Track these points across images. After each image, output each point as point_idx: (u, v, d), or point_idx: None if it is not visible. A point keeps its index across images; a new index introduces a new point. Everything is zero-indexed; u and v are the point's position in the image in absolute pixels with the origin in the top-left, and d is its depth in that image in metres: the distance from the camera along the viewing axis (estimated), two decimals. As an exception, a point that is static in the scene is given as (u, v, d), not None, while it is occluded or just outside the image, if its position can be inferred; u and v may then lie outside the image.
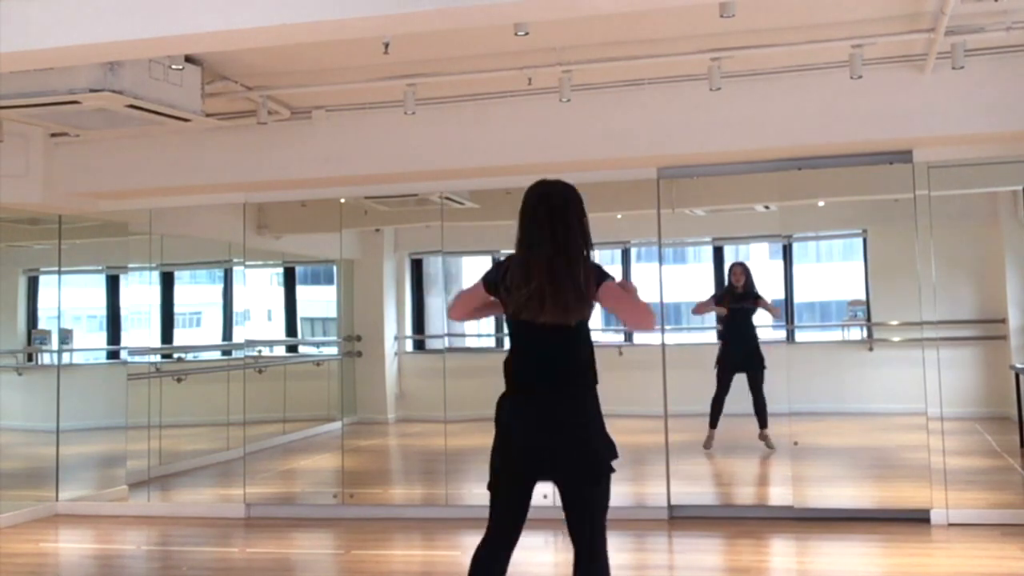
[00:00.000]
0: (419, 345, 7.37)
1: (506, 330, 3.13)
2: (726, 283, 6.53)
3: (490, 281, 3.09)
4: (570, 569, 2.96)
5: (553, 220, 3.04)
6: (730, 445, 6.38)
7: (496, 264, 3.12)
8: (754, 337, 6.44)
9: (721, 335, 6.54)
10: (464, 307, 3.22)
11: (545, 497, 6.07)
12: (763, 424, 6.32)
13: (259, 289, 7.27)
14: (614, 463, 2.94)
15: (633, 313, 2.99)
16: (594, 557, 2.89)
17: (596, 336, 7.04)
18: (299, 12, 3.62)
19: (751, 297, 6.45)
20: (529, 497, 2.97)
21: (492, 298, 3.10)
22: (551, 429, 2.89)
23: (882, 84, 5.38)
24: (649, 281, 6.38)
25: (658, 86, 5.67)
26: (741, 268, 6.51)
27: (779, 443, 6.15)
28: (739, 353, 6.44)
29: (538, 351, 2.97)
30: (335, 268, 7.20)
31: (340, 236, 6.82)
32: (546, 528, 5.84)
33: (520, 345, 3.03)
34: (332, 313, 7.32)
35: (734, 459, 6.50)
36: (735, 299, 6.47)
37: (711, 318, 6.56)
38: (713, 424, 6.35)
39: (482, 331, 6.98)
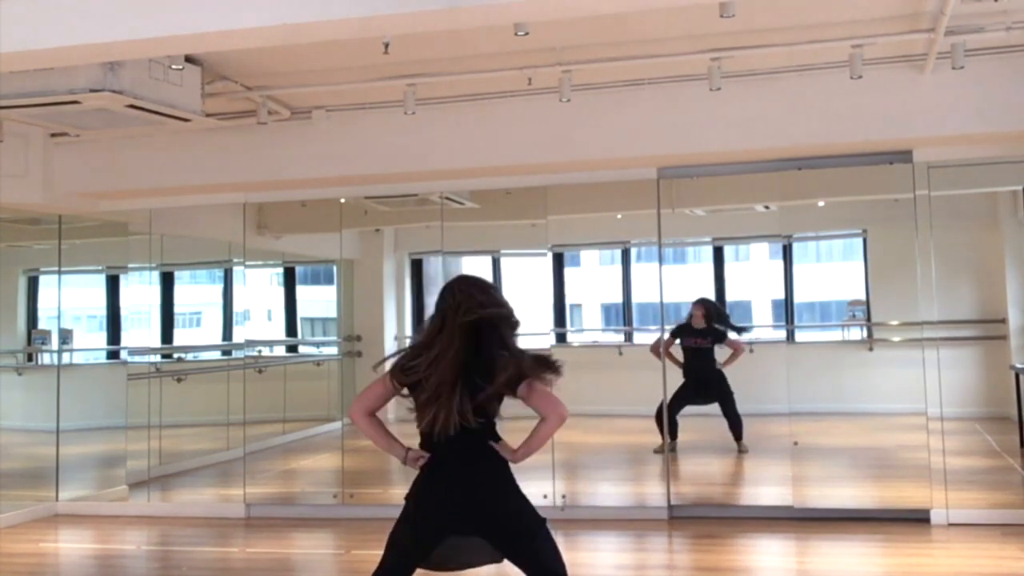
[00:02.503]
0: (419, 345, 7.36)
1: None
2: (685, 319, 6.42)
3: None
4: (570, 569, 2.96)
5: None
6: (730, 445, 6.38)
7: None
8: (713, 371, 6.33)
9: (684, 369, 6.38)
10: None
11: (545, 497, 6.08)
12: (738, 438, 6.31)
13: (259, 289, 7.27)
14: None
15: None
16: None
17: (596, 336, 7.10)
18: (299, 12, 3.62)
19: (708, 337, 6.36)
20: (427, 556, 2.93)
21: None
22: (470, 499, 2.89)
23: (882, 84, 5.38)
24: (649, 281, 6.38)
25: (658, 86, 5.67)
26: (702, 307, 6.40)
27: (779, 443, 6.15)
28: (698, 390, 6.34)
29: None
30: (335, 268, 7.20)
31: (340, 236, 6.82)
32: (546, 528, 5.86)
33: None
34: (332, 313, 7.32)
35: (734, 459, 6.50)
36: (692, 335, 6.37)
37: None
38: (663, 433, 6.27)
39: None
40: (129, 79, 4.84)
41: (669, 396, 6.24)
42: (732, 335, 6.39)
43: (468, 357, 2.85)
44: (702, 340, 6.39)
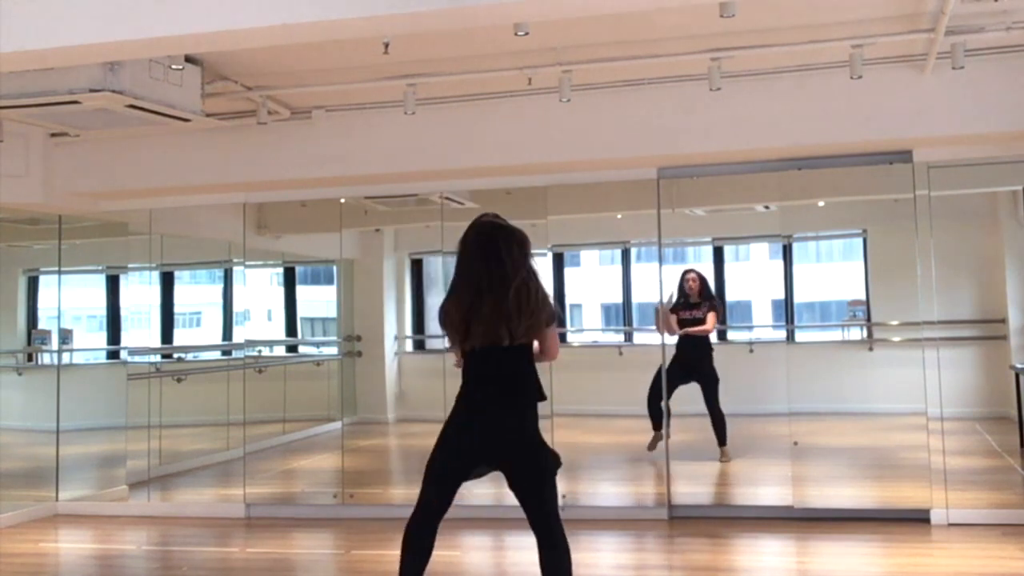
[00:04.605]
0: (419, 345, 7.38)
1: None
2: (679, 290, 6.41)
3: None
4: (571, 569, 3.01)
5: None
6: (730, 445, 6.38)
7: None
8: (706, 347, 6.35)
9: (677, 344, 6.37)
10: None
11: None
12: (722, 442, 6.29)
13: (259, 289, 7.27)
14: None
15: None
16: (554, 543, 3.19)
17: (596, 336, 7.10)
18: (299, 12, 3.62)
19: (702, 308, 6.35)
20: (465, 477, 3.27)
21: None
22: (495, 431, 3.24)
23: (882, 84, 5.38)
24: (649, 281, 6.38)
25: (658, 86, 5.67)
26: (695, 275, 6.41)
27: (779, 443, 6.15)
28: (692, 361, 6.32)
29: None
30: (335, 268, 7.20)
31: (340, 236, 6.82)
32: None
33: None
34: (332, 313, 7.32)
35: (734, 459, 6.50)
36: (688, 308, 6.38)
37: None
38: (657, 425, 6.24)
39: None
40: (129, 79, 4.84)
41: (664, 385, 6.22)
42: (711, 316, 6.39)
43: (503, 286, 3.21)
44: (697, 311, 6.39)
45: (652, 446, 6.28)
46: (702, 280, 6.42)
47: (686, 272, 6.45)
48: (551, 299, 3.34)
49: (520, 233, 3.35)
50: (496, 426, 3.20)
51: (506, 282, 3.20)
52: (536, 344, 3.31)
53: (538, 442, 3.25)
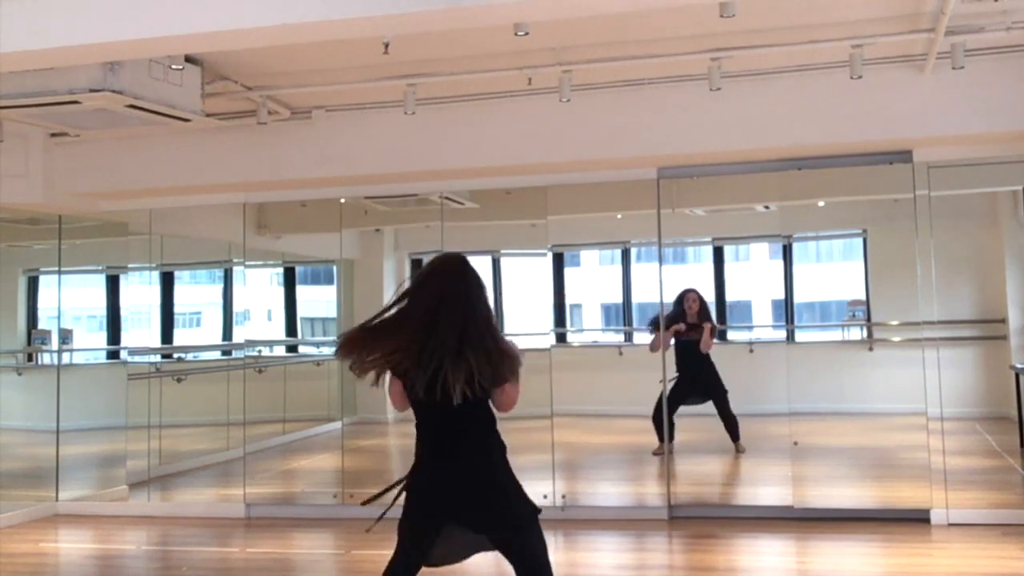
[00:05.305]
0: (419, 345, 7.34)
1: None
2: (676, 309, 6.37)
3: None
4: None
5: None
6: (729, 445, 6.37)
7: None
8: (707, 364, 6.33)
9: (677, 365, 6.35)
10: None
11: (545, 497, 6.07)
12: (735, 438, 6.31)
13: (259, 289, 7.26)
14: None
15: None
16: None
17: (596, 336, 7.09)
18: (299, 12, 3.62)
19: (700, 328, 6.35)
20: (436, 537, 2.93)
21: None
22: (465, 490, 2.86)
23: (882, 84, 5.38)
24: (649, 281, 6.38)
25: (658, 86, 5.67)
26: (696, 295, 6.39)
27: (779, 443, 6.15)
28: (695, 386, 6.33)
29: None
30: (335, 268, 7.20)
31: (340, 236, 6.82)
32: (545, 528, 5.84)
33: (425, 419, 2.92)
34: (332, 313, 7.32)
35: (734, 459, 6.50)
36: (686, 329, 6.36)
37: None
38: (661, 437, 6.28)
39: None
40: (129, 79, 4.84)
41: (667, 396, 6.24)
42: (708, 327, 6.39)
43: (469, 329, 2.77)
44: (695, 333, 6.38)
45: (657, 452, 6.32)
46: (702, 301, 6.39)
47: (687, 292, 6.40)
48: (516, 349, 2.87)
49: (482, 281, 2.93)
50: (462, 475, 2.85)
51: (478, 327, 2.78)
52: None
53: (505, 486, 2.88)
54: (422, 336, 2.76)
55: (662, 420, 6.28)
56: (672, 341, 6.31)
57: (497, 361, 2.77)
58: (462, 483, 2.85)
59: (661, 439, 6.30)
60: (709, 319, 6.38)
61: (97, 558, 5.85)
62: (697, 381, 6.35)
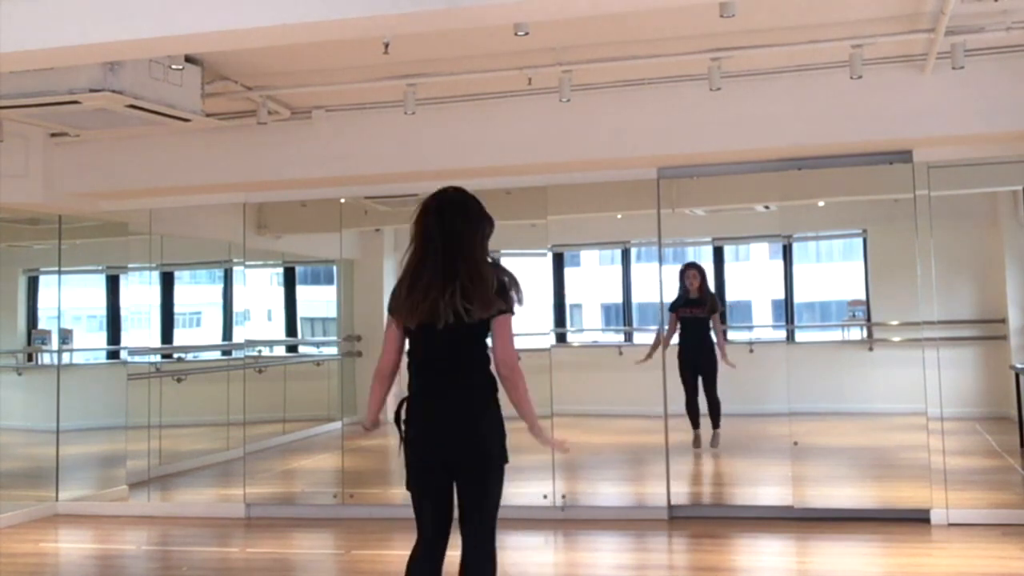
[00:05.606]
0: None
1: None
2: (680, 287, 6.42)
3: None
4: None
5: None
6: (730, 445, 6.38)
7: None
8: (708, 339, 6.38)
9: (679, 340, 6.41)
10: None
11: (545, 497, 6.07)
12: (715, 424, 6.33)
13: (259, 289, 7.26)
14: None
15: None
16: (480, 551, 2.97)
17: (596, 336, 7.09)
18: (299, 12, 3.62)
19: (704, 306, 6.37)
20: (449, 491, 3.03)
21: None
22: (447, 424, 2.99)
23: (882, 84, 5.38)
24: (649, 281, 6.38)
25: (658, 86, 5.67)
26: (696, 271, 6.41)
27: (779, 443, 6.15)
28: (694, 355, 6.36)
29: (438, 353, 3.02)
30: (335, 268, 7.20)
31: (340, 236, 6.82)
32: (545, 528, 5.85)
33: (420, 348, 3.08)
34: (332, 313, 7.32)
35: (734, 459, 6.50)
36: (688, 305, 6.39)
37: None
38: (695, 424, 6.34)
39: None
40: (129, 79, 4.84)
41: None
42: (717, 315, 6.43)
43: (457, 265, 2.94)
44: (698, 310, 6.39)
45: (696, 443, 6.35)
46: (703, 276, 6.41)
47: (687, 267, 6.43)
48: (516, 287, 3.02)
49: (484, 211, 3.12)
50: (448, 416, 2.97)
51: (460, 251, 2.96)
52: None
53: (488, 433, 3.01)
54: (419, 269, 2.97)
55: (695, 410, 6.31)
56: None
57: (488, 286, 2.92)
58: (448, 419, 2.96)
59: (695, 424, 6.33)
60: (712, 297, 6.40)
61: (97, 558, 5.85)
62: (697, 359, 6.36)
